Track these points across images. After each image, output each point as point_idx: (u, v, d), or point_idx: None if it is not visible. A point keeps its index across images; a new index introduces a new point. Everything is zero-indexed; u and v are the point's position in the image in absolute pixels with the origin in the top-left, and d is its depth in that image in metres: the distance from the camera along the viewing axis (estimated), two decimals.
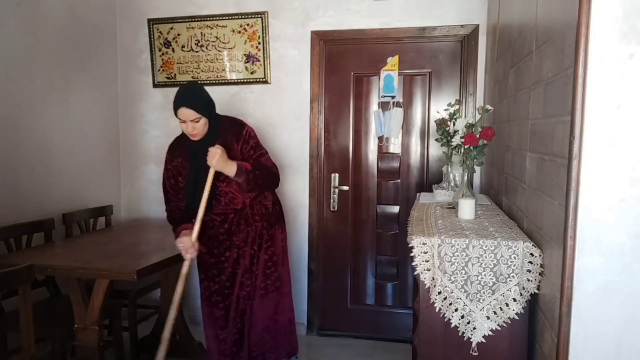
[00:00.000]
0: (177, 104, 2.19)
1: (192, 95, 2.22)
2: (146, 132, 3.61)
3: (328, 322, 3.42)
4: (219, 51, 3.40)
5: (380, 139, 3.30)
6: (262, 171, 2.29)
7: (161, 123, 3.58)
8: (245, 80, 3.39)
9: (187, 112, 2.17)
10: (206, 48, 3.42)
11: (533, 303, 1.60)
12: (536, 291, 1.55)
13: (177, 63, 3.48)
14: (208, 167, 2.20)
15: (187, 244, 2.21)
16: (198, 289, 3.56)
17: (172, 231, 2.36)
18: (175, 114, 2.21)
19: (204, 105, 2.23)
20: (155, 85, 3.55)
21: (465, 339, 1.61)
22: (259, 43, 3.32)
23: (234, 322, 2.37)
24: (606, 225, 1.23)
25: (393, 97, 3.22)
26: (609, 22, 1.18)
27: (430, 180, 3.23)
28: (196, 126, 2.21)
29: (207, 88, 3.38)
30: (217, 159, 2.15)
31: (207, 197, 2.20)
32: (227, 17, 3.34)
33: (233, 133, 2.33)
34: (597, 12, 1.19)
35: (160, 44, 3.48)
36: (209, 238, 2.37)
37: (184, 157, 2.35)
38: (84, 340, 2.29)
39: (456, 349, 1.64)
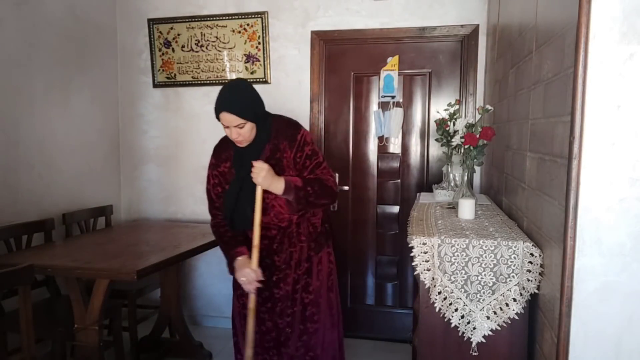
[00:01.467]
0: (218, 109, 1.89)
1: (235, 98, 1.89)
2: (146, 132, 3.61)
3: None
4: (219, 51, 3.40)
5: (380, 139, 3.30)
6: (315, 187, 1.95)
7: (161, 123, 3.58)
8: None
9: (229, 118, 1.86)
10: (206, 48, 3.41)
11: (533, 303, 1.60)
12: (536, 291, 1.55)
13: (177, 63, 3.48)
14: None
15: (250, 276, 1.93)
16: (198, 288, 3.60)
17: (222, 250, 2.11)
18: (217, 118, 1.93)
19: (249, 108, 1.90)
20: (155, 85, 3.55)
21: (465, 339, 1.61)
22: (259, 43, 3.32)
23: (268, 351, 2.10)
24: (606, 225, 1.23)
25: (393, 97, 3.21)
26: (609, 22, 1.18)
27: (430, 180, 3.23)
28: (241, 132, 1.91)
29: (207, 88, 3.47)
30: (264, 177, 1.84)
31: (259, 220, 1.91)
32: (227, 17, 3.34)
33: (287, 137, 2.00)
34: (597, 12, 1.19)
35: (160, 44, 3.48)
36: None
37: (231, 162, 2.06)
38: (84, 340, 2.29)
39: (456, 349, 1.64)
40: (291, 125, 2.06)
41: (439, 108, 2.61)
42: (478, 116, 2.07)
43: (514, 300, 1.56)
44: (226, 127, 1.92)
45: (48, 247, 2.59)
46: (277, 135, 2.01)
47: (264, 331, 2.07)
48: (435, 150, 3.24)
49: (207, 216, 3.50)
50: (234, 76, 3.40)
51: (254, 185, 1.92)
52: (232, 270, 2.04)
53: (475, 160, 1.95)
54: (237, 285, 2.07)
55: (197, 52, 3.43)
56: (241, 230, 2.07)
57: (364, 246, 3.37)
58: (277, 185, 1.89)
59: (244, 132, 1.92)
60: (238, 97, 1.91)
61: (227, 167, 2.07)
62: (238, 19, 3.33)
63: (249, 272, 1.93)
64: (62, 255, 2.40)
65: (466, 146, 1.93)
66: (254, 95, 1.98)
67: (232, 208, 2.01)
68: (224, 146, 2.09)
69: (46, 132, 2.94)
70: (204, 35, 3.40)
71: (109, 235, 2.90)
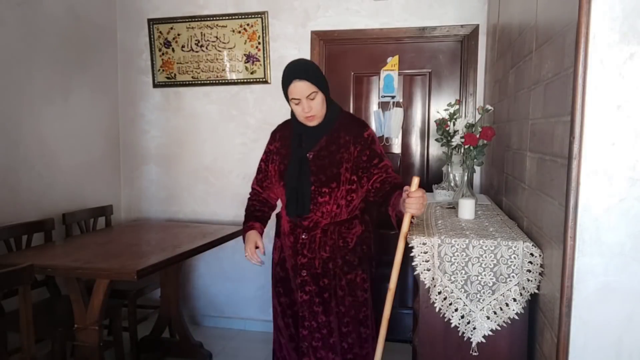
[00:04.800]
0: (288, 78, 1.84)
1: (307, 67, 1.87)
2: (146, 132, 3.61)
3: None
4: (219, 51, 3.40)
5: (380, 138, 3.30)
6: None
7: (161, 123, 3.58)
8: (245, 80, 3.39)
9: (301, 86, 1.81)
10: (206, 48, 3.42)
11: (533, 303, 1.60)
12: (536, 291, 1.55)
13: (177, 63, 3.48)
14: (307, 159, 1.91)
15: (249, 252, 2.03)
16: (198, 288, 3.60)
17: (243, 223, 2.14)
18: (286, 95, 1.88)
19: (321, 78, 1.87)
20: (155, 85, 3.55)
21: (465, 339, 1.61)
22: (259, 43, 3.32)
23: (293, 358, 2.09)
24: (606, 225, 1.23)
25: (393, 97, 3.22)
26: (609, 22, 1.18)
27: (430, 180, 3.23)
28: (312, 105, 1.84)
29: (207, 88, 3.47)
30: (423, 205, 1.60)
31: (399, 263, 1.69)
32: (227, 17, 3.34)
33: (351, 132, 1.93)
34: (597, 12, 1.19)
35: (160, 44, 3.48)
36: (285, 245, 2.05)
37: (283, 143, 2.03)
38: (84, 340, 2.29)
39: (456, 349, 1.64)
40: (357, 121, 2.02)
41: (439, 108, 2.61)
42: (478, 116, 2.07)
43: (514, 300, 1.56)
44: (296, 102, 1.85)
45: (48, 247, 2.59)
46: (339, 128, 1.95)
47: (290, 336, 2.09)
48: (435, 150, 3.24)
49: (207, 216, 3.53)
50: (234, 76, 3.40)
51: (309, 168, 1.90)
52: (244, 239, 2.10)
53: (475, 160, 1.95)
54: (275, 283, 2.10)
55: (197, 52, 3.43)
56: (293, 216, 1.98)
57: None
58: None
59: (315, 105, 1.85)
60: (310, 66, 1.88)
61: (276, 147, 2.05)
62: (238, 19, 3.33)
63: (252, 248, 2.03)
64: (62, 255, 2.40)
65: (466, 146, 1.93)
66: (323, 73, 1.96)
67: (295, 187, 1.93)
68: (281, 128, 2.11)
69: (46, 132, 2.94)
70: (204, 35, 3.40)
71: (109, 235, 2.90)
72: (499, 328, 1.58)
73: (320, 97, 1.86)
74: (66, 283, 2.32)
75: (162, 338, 3.07)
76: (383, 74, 3.20)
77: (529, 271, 1.54)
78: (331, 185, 1.91)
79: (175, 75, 3.50)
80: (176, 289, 2.99)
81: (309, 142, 1.94)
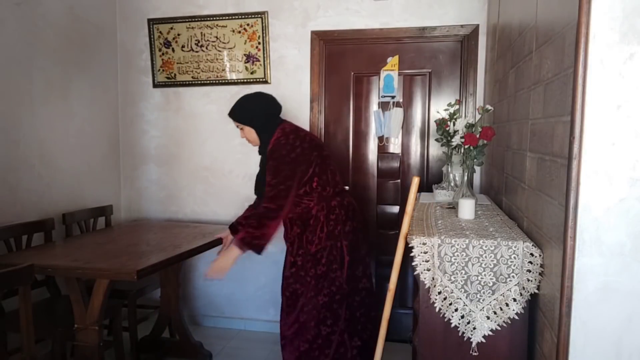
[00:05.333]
0: None
1: (235, 106, 2.37)
2: (146, 132, 3.61)
3: None
4: (219, 51, 3.40)
5: (380, 139, 3.30)
6: (251, 223, 2.19)
7: (161, 123, 3.58)
8: (245, 80, 3.39)
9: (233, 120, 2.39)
10: (206, 48, 3.42)
11: (533, 303, 1.60)
12: (536, 291, 1.55)
13: (177, 63, 3.48)
14: (260, 175, 2.40)
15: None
16: (198, 288, 3.60)
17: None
18: None
19: (242, 115, 2.35)
20: (155, 85, 3.55)
21: (465, 339, 1.61)
22: (259, 43, 3.32)
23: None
24: (606, 225, 1.23)
25: (393, 97, 3.22)
26: (609, 22, 1.18)
27: (430, 180, 3.23)
28: (243, 134, 2.40)
29: (207, 88, 3.47)
30: (221, 269, 2.22)
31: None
32: (227, 17, 3.34)
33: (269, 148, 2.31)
34: (597, 12, 1.19)
35: (160, 44, 3.48)
36: None
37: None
38: (84, 340, 2.29)
39: (456, 349, 1.63)
40: (275, 136, 2.30)
41: (439, 108, 2.61)
42: (478, 116, 2.07)
43: (514, 300, 1.56)
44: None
45: (48, 247, 2.59)
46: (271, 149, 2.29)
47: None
48: (435, 150, 3.24)
49: (206, 216, 3.53)
50: (234, 76, 3.40)
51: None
52: None
53: (475, 160, 1.95)
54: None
55: (197, 52, 3.43)
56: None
57: None
58: (231, 255, 2.20)
59: (245, 134, 2.38)
60: (237, 105, 2.37)
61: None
62: (238, 19, 3.33)
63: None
64: (63, 255, 2.40)
65: (466, 146, 1.93)
66: (252, 106, 2.35)
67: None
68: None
69: (46, 132, 2.94)
70: (204, 35, 3.40)
71: (109, 235, 2.90)
72: (499, 328, 1.58)
73: (246, 129, 2.36)
74: (66, 283, 2.32)
75: (162, 338, 3.07)
76: (383, 74, 3.20)
77: (529, 271, 1.54)
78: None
79: (175, 75, 3.50)
80: (176, 289, 2.99)
81: (261, 161, 2.41)
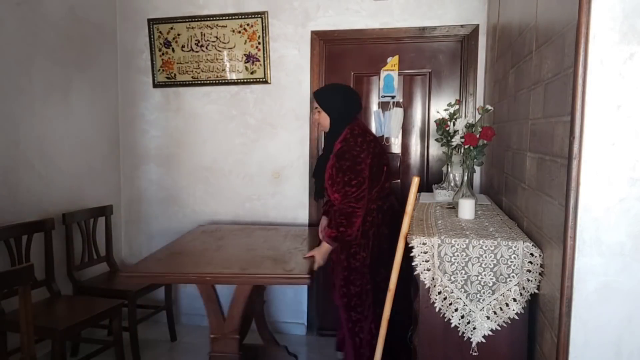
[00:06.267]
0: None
1: (326, 90, 2.56)
2: (146, 132, 3.61)
3: (328, 322, 3.41)
4: (219, 51, 3.40)
5: (380, 138, 3.30)
6: (342, 222, 2.30)
7: (161, 123, 3.58)
8: (245, 80, 3.39)
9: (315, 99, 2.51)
10: (206, 48, 3.42)
11: (533, 303, 1.60)
12: (536, 291, 1.55)
13: (177, 63, 3.48)
14: (322, 159, 2.52)
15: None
16: (198, 288, 3.58)
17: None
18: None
19: (327, 101, 2.46)
20: (155, 85, 3.55)
21: (465, 339, 1.62)
22: (259, 43, 3.32)
23: None
24: (606, 225, 1.23)
25: (393, 97, 3.22)
26: (609, 22, 1.18)
27: (430, 180, 3.23)
28: (315, 117, 2.52)
29: (207, 88, 3.47)
30: (322, 258, 2.35)
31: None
32: (227, 17, 3.34)
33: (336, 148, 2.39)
34: (597, 12, 1.19)
35: (160, 44, 3.48)
36: None
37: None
38: (222, 351, 2.24)
39: (456, 349, 1.64)
40: (343, 139, 2.39)
41: (439, 108, 2.61)
42: (478, 116, 2.07)
43: (514, 300, 1.56)
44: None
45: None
46: (337, 142, 2.39)
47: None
48: (435, 150, 3.24)
49: (206, 216, 3.53)
50: (234, 76, 3.40)
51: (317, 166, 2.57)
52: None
53: (475, 160, 1.95)
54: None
55: (197, 52, 3.43)
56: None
57: None
58: (325, 250, 2.35)
59: (320, 118, 2.50)
60: (327, 90, 2.56)
61: None
62: (238, 19, 3.33)
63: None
64: (204, 264, 2.37)
65: (466, 146, 1.93)
66: (338, 97, 2.47)
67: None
68: None
69: (46, 132, 2.94)
70: (204, 35, 3.40)
71: (204, 240, 2.80)
72: (499, 328, 1.58)
73: (323, 114, 2.46)
74: (201, 292, 2.27)
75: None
76: (383, 74, 3.20)
77: (529, 271, 1.54)
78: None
79: (175, 75, 3.50)
80: (262, 292, 2.92)
81: (324, 154, 2.52)
